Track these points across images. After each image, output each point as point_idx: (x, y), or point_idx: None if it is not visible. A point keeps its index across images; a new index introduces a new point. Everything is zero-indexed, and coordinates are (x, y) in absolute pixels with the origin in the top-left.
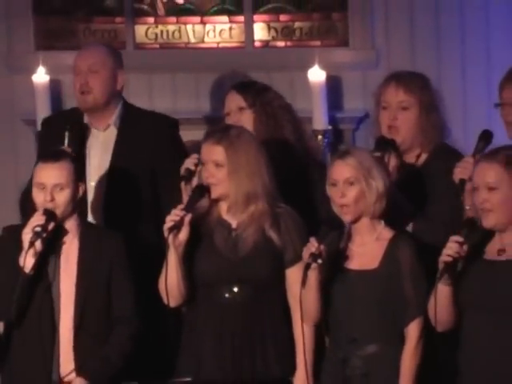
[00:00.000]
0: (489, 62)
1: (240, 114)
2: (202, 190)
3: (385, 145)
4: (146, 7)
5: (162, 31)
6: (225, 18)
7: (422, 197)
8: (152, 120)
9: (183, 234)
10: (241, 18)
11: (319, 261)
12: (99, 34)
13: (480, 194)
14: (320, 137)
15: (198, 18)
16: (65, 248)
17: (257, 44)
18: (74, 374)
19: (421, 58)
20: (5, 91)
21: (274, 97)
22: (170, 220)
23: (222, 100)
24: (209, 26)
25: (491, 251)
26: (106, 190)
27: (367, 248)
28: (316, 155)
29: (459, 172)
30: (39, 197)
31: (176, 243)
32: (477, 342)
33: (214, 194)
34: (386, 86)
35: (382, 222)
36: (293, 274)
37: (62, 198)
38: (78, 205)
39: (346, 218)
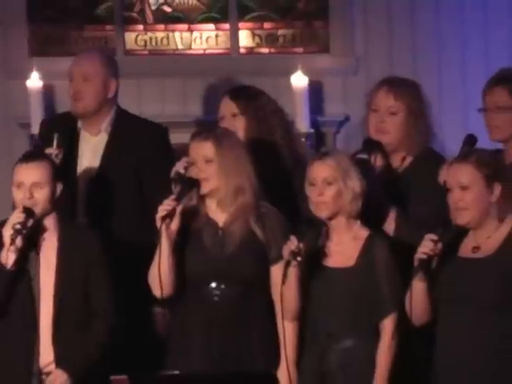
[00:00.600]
0: (464, 67)
1: (233, 119)
2: (193, 182)
3: (371, 146)
4: (135, 15)
5: (150, 38)
6: (211, 26)
7: (404, 198)
8: (143, 127)
9: (175, 224)
10: (226, 26)
11: (298, 258)
12: (90, 41)
13: (454, 193)
14: (303, 139)
15: (185, 26)
16: (44, 245)
17: (242, 50)
18: (53, 366)
19: (398, 63)
20: (0, 95)
21: (267, 102)
22: (163, 209)
23: (211, 104)
24: (196, 34)
25: (466, 249)
26: (95, 192)
27: (344, 246)
28: (305, 159)
29: (444, 175)
30: (18, 195)
31: (168, 232)
32: (450, 337)
33: (205, 188)
34: (377, 89)
35: (358, 222)
36: (276, 271)
37: (41, 195)
38: (56, 203)
39: (322, 214)
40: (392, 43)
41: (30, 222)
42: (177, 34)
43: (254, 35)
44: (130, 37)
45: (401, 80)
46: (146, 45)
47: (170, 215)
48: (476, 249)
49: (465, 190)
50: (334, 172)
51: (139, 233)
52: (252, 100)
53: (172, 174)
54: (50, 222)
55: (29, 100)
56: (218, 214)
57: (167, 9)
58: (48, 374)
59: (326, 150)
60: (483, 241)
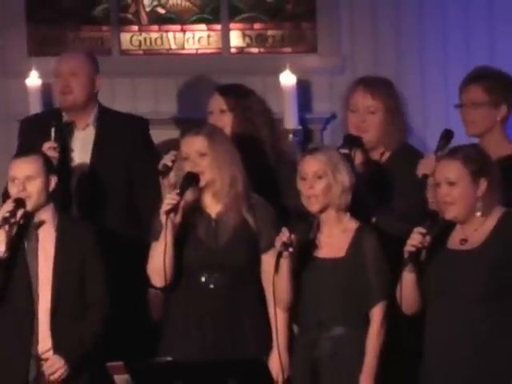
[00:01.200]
0: (446, 65)
1: (221, 115)
2: (192, 176)
3: (352, 142)
4: (130, 16)
5: (145, 38)
6: (203, 27)
7: (384, 191)
8: (126, 120)
9: (178, 217)
10: (218, 27)
11: (290, 249)
12: (87, 42)
13: (441, 188)
14: (290, 136)
15: (178, 27)
16: (42, 236)
17: (233, 50)
18: (51, 352)
19: (383, 62)
20: (0, 94)
21: (255, 101)
22: (167, 204)
23: (203, 102)
24: (188, 34)
25: (454, 241)
26: (88, 185)
27: (334, 238)
28: (289, 157)
29: (422, 168)
30: (13, 189)
31: (172, 225)
32: (438, 326)
33: (202, 181)
34: (354, 90)
35: (348, 214)
36: (267, 260)
37: (34, 188)
38: (52, 196)
39: (313, 208)
40: (377, 44)
41: (21, 212)
42: (170, 35)
43: (244, 36)
44: (125, 37)
45: (375, 79)
46: (140, 45)
47: (174, 209)
48: (464, 241)
49: (452, 185)
50: (323, 166)
51: (128, 224)
52: (241, 98)
53: (160, 166)
54: (47, 214)
55: (28, 98)
56: (211, 205)
57: (161, 10)
58: (46, 359)
59: (316, 146)
60: (470, 233)
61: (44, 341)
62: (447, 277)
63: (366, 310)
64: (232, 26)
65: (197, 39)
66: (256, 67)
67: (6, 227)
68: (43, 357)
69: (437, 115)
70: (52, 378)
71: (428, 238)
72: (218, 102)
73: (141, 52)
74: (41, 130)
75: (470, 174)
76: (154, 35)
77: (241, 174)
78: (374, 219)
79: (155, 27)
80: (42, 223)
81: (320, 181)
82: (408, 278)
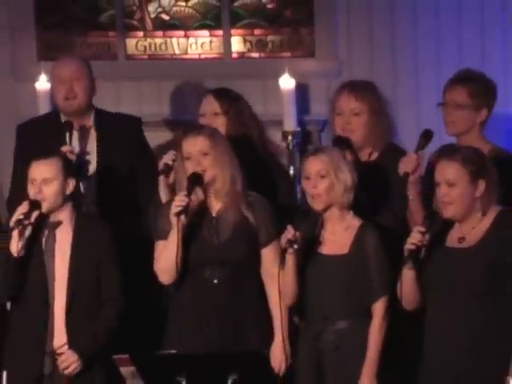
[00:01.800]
0: (439, 68)
1: (214, 117)
2: (198, 177)
3: (341, 143)
4: (135, 23)
5: (150, 44)
6: (205, 33)
7: (374, 189)
8: (122, 120)
9: (185, 218)
10: (220, 32)
11: (295, 246)
12: (94, 47)
13: (441, 188)
14: (290, 137)
15: (181, 32)
16: (59, 236)
17: (234, 55)
18: (66, 347)
19: (378, 66)
20: (10, 97)
21: (245, 106)
22: (178, 206)
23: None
24: (191, 40)
25: (452, 239)
26: (95, 184)
27: (338, 235)
28: (278, 158)
29: (403, 166)
30: (31, 190)
31: (180, 226)
32: (436, 322)
33: (205, 180)
34: (339, 94)
35: (351, 212)
36: (266, 254)
37: (50, 190)
38: (70, 197)
39: (317, 206)
40: (372, 48)
41: (36, 213)
42: (174, 40)
43: (245, 41)
44: (130, 42)
45: (359, 82)
46: (145, 50)
47: (184, 211)
48: (461, 239)
49: (451, 186)
50: (326, 166)
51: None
52: (234, 102)
53: (160, 165)
54: (64, 215)
55: (37, 101)
56: (211, 203)
57: (165, 17)
58: (61, 354)
59: (319, 147)
60: (468, 232)
61: (59, 337)
62: (445, 274)
63: (369, 304)
64: (233, 31)
65: (199, 44)
66: (256, 71)
67: (21, 228)
68: (59, 351)
69: (430, 114)
70: (66, 372)
71: (427, 237)
72: (211, 105)
73: (146, 57)
74: (38, 133)
75: (469, 175)
76: (159, 41)
77: (239, 173)
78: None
79: (159, 33)
80: (59, 223)
81: (323, 180)
82: (408, 275)
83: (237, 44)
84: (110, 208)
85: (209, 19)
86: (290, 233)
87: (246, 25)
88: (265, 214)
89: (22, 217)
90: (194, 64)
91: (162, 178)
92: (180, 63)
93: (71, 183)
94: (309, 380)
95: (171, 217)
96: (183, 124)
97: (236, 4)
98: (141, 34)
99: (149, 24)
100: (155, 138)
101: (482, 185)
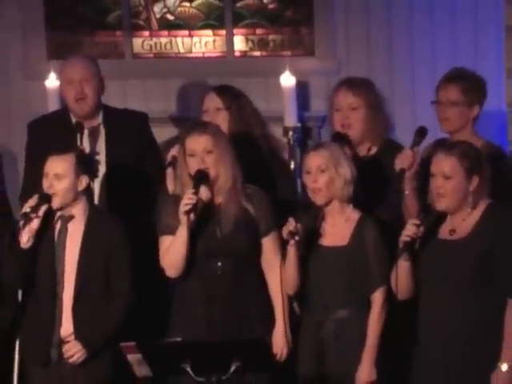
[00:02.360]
0: (434, 66)
1: (216, 113)
2: (204, 174)
3: (339, 139)
4: (141, 23)
5: (155, 43)
6: (209, 32)
7: (373, 184)
8: (129, 116)
9: (193, 215)
10: (223, 32)
11: (296, 238)
12: (101, 46)
13: (436, 180)
14: (290, 132)
15: (186, 32)
16: (71, 229)
17: (237, 54)
18: (72, 337)
19: (375, 64)
20: (21, 94)
21: (247, 102)
22: (187, 204)
23: (200, 100)
24: (195, 39)
25: (444, 231)
26: (105, 181)
27: (338, 227)
28: (279, 152)
29: (399, 162)
30: (45, 184)
31: (188, 223)
32: (429, 312)
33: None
34: (337, 91)
35: (351, 205)
36: (266, 243)
37: (60, 186)
38: (83, 193)
39: (318, 200)
40: (370, 47)
41: (45, 208)
42: (179, 40)
43: (247, 40)
44: (137, 42)
45: (355, 79)
46: (151, 49)
47: (193, 209)
48: (452, 231)
49: (447, 179)
50: (326, 161)
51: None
52: (236, 98)
53: (168, 158)
54: (77, 209)
55: (47, 98)
56: (213, 198)
57: (170, 17)
58: (67, 342)
59: (319, 143)
60: (459, 224)
61: (66, 326)
62: (437, 265)
63: (368, 294)
64: (236, 31)
65: (203, 44)
66: (258, 69)
67: (26, 221)
68: (66, 340)
69: (426, 110)
70: (70, 360)
71: (422, 229)
72: (214, 101)
73: (151, 55)
74: (48, 130)
75: (465, 170)
76: (164, 40)
77: (238, 169)
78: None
79: (165, 32)
80: (71, 217)
81: (323, 174)
82: (403, 266)
83: (239, 43)
84: (118, 204)
85: (212, 19)
86: (291, 225)
87: (248, 24)
88: (264, 206)
89: (28, 210)
90: (197, 62)
91: (169, 170)
92: (184, 62)
93: (84, 180)
94: (310, 368)
95: (180, 215)
96: (188, 120)
97: (238, 4)
98: (147, 33)
99: (154, 24)
100: (161, 133)
101: (475, 180)
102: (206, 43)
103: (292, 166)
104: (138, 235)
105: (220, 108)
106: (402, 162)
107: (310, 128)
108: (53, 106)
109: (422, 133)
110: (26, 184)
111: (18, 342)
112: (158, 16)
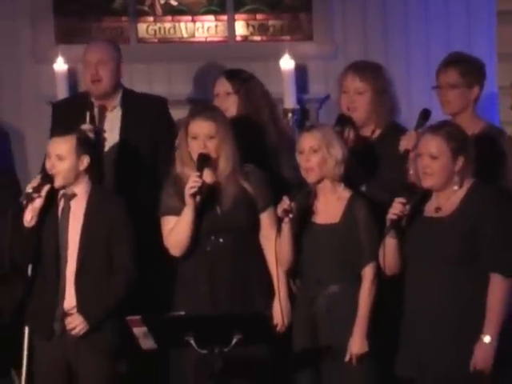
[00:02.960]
0: (428, 50)
1: (227, 97)
2: (206, 157)
3: (344, 121)
4: (146, 8)
5: (159, 28)
6: (211, 17)
7: (375, 164)
8: (148, 100)
9: (199, 197)
10: (224, 17)
11: (290, 215)
12: (108, 31)
13: (423, 160)
14: (290, 114)
15: (189, 17)
16: (74, 207)
17: (238, 39)
18: (75, 309)
19: (372, 49)
20: (31, 78)
21: (256, 85)
22: (192, 187)
23: (212, 84)
24: (198, 24)
25: (429, 209)
26: (116, 159)
27: (330, 206)
28: (287, 134)
29: (404, 144)
30: (47, 164)
31: (194, 205)
32: (415, 286)
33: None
34: (345, 74)
35: (342, 185)
36: (264, 219)
37: (62, 166)
38: (85, 172)
39: (310, 179)
40: (366, 32)
41: (47, 188)
42: (182, 25)
43: (248, 25)
44: (141, 27)
45: (365, 63)
46: (155, 34)
47: (199, 192)
48: (438, 209)
49: (433, 158)
50: (319, 141)
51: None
52: (245, 82)
53: (177, 143)
54: (80, 188)
55: (55, 81)
56: (215, 179)
57: (173, 3)
58: (70, 315)
59: (312, 124)
60: (444, 202)
61: (69, 300)
62: (423, 242)
63: (359, 269)
64: (237, 16)
65: (206, 29)
66: (259, 53)
67: (29, 200)
68: (68, 313)
69: (420, 94)
70: (73, 332)
71: (408, 207)
72: (224, 86)
73: (156, 40)
74: (70, 111)
75: (451, 151)
76: (168, 25)
77: (238, 152)
78: (363, 188)
79: (168, 18)
80: (73, 195)
81: (315, 154)
82: (390, 243)
83: (240, 28)
84: (128, 183)
85: (214, 5)
86: (285, 203)
87: (248, 10)
88: (260, 183)
89: (30, 190)
90: (200, 47)
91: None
92: (187, 46)
93: (85, 160)
94: (304, 341)
95: (186, 198)
96: (191, 103)
97: None
98: (151, 19)
99: (158, 9)
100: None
101: (461, 160)
102: (208, 28)
103: None
104: (144, 216)
105: (230, 92)
106: (406, 142)
107: (308, 110)
108: (61, 88)
109: (425, 115)
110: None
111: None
112: (162, 2)
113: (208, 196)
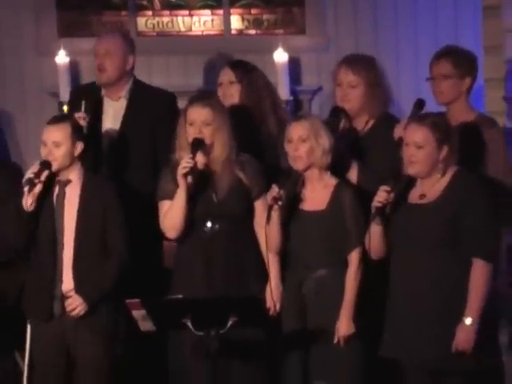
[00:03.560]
0: (416, 43)
1: (230, 86)
2: (199, 141)
3: (338, 112)
4: (145, 3)
5: (158, 22)
6: (208, 12)
7: (367, 154)
8: (156, 93)
9: (191, 178)
10: (220, 12)
11: (280, 203)
12: (108, 25)
13: (409, 149)
14: (283, 105)
15: (186, 12)
16: (69, 192)
17: (233, 32)
18: (73, 292)
19: (362, 42)
20: (34, 70)
21: (259, 76)
22: (184, 167)
23: (208, 76)
24: (195, 18)
25: (414, 196)
26: (116, 149)
27: (317, 193)
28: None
29: (398, 132)
30: (43, 151)
31: (187, 186)
32: (399, 270)
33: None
34: (338, 68)
35: (328, 173)
36: (258, 206)
37: (59, 152)
38: (78, 159)
39: (298, 167)
40: (357, 26)
41: (46, 173)
42: (179, 19)
43: (243, 19)
44: (141, 21)
45: (357, 57)
46: (154, 27)
47: (190, 172)
48: (422, 196)
49: (419, 148)
50: (307, 131)
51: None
52: (248, 72)
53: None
54: (74, 174)
55: (57, 73)
56: (209, 167)
57: None
58: (69, 297)
59: (302, 114)
60: (428, 189)
61: (67, 282)
62: (407, 228)
63: (345, 254)
64: (232, 11)
65: (202, 22)
66: (253, 46)
67: (30, 186)
68: (67, 295)
69: (408, 85)
70: (73, 314)
71: (392, 195)
72: (227, 75)
73: (154, 34)
74: (81, 98)
75: (436, 141)
76: (166, 19)
77: (233, 140)
78: (354, 176)
79: (166, 12)
80: (68, 181)
81: (304, 144)
82: (375, 229)
83: (236, 22)
84: (126, 171)
85: (210, 0)
86: (275, 191)
87: (244, 5)
88: (255, 171)
89: (32, 176)
90: (197, 40)
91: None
92: (185, 39)
93: (80, 146)
94: (294, 323)
95: (178, 177)
96: (189, 93)
97: None
98: (150, 13)
99: (157, 4)
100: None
101: (445, 149)
102: (204, 22)
103: None
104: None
105: (233, 81)
106: (400, 130)
107: (301, 101)
108: (63, 80)
109: (420, 105)
110: None
111: None
112: None
113: (203, 182)
